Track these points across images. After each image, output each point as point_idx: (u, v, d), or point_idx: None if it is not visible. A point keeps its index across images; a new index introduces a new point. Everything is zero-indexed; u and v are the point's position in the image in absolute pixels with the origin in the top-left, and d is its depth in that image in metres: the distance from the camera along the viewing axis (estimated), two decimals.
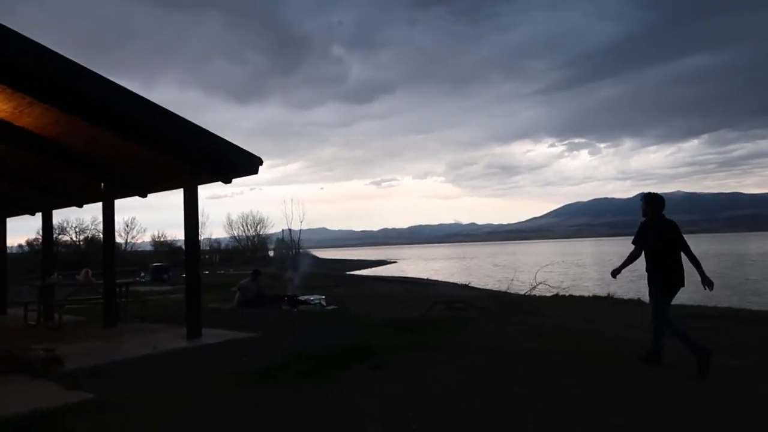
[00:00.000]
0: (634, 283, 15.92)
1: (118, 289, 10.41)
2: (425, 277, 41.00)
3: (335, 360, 6.07)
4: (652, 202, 5.74)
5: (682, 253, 5.56)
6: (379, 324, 8.76)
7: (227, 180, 8.50)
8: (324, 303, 11.98)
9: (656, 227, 5.65)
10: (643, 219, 5.78)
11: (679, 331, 5.39)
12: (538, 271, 13.91)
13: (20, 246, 49.63)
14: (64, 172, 9.91)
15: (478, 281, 34.47)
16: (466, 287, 31.24)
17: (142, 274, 10.50)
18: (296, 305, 11.71)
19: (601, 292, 15.09)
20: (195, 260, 8.31)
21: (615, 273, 5.86)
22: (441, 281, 36.18)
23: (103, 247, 9.77)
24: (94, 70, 6.34)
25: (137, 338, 8.24)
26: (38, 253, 46.70)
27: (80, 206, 11.49)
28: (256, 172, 8.21)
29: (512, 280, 14.45)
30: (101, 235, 38.12)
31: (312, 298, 12.18)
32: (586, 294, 15.22)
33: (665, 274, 5.51)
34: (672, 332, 5.44)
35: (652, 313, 5.64)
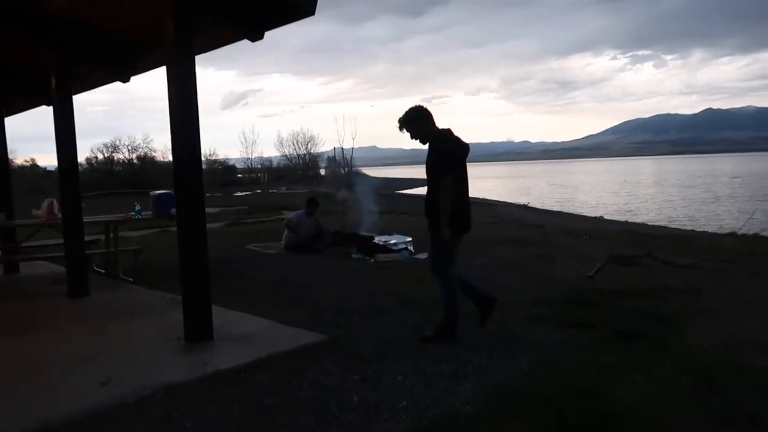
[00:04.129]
0: None
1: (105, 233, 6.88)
2: (480, 197, 37.72)
3: None
4: (420, 115, 3.92)
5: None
6: (550, 307, 4.67)
7: (257, 33, 4.36)
8: (412, 249, 8.07)
9: (454, 144, 3.91)
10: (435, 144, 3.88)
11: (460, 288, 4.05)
12: None
13: (80, 164, 47.68)
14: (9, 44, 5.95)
15: (538, 202, 31.75)
16: (526, 208, 27.99)
17: (137, 208, 7.00)
18: (372, 253, 7.81)
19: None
20: (192, 185, 4.21)
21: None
22: (499, 201, 33.53)
23: (58, 167, 5.82)
24: None
25: (100, 335, 4.40)
26: (97, 171, 45.34)
27: (48, 104, 7.63)
28: (312, 11, 4.02)
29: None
30: (154, 154, 34.52)
31: (393, 241, 8.27)
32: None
33: (461, 213, 3.88)
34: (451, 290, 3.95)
35: (435, 265, 3.98)
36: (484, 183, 65.93)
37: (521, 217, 18.09)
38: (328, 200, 21.09)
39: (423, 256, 7.59)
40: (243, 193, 38.55)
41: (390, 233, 9.00)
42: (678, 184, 46.17)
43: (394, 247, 7.98)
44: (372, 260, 7.53)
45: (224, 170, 59.81)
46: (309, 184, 51.39)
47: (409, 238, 8.47)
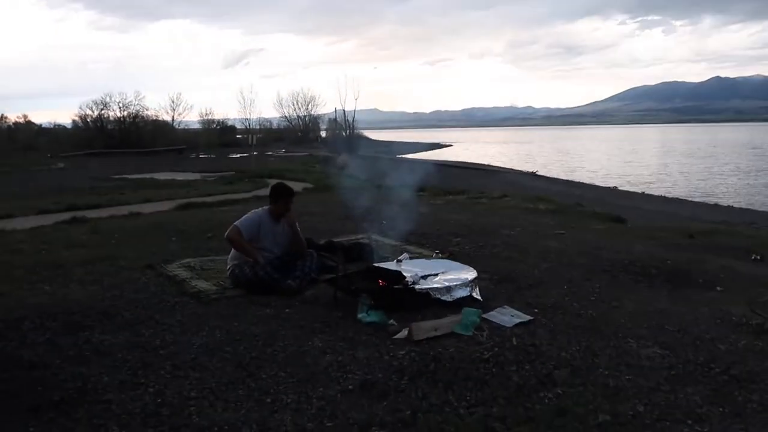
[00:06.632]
0: None
1: None
2: (485, 163, 37.05)
3: None
4: None
5: None
6: None
7: None
8: (478, 295, 4.26)
9: None
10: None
11: None
12: None
13: (73, 122, 46.46)
14: None
15: (545, 170, 31.37)
16: (534, 176, 27.23)
17: None
18: (400, 309, 3.90)
19: None
20: None
21: None
22: (506, 168, 33.14)
23: None
24: None
25: None
26: (89, 129, 43.74)
27: None
28: None
29: None
30: (146, 111, 30.53)
31: (438, 277, 4.32)
32: None
33: None
34: None
35: None
36: (489, 149, 64.81)
37: (545, 189, 16.74)
38: (329, 165, 19.28)
39: (508, 317, 3.83)
40: (238, 155, 37.38)
41: (418, 245, 5.50)
42: (692, 154, 45.01)
43: (447, 296, 4.10)
44: (404, 333, 3.56)
45: (222, 130, 58.34)
46: (309, 146, 50.07)
47: (471, 272, 4.45)
